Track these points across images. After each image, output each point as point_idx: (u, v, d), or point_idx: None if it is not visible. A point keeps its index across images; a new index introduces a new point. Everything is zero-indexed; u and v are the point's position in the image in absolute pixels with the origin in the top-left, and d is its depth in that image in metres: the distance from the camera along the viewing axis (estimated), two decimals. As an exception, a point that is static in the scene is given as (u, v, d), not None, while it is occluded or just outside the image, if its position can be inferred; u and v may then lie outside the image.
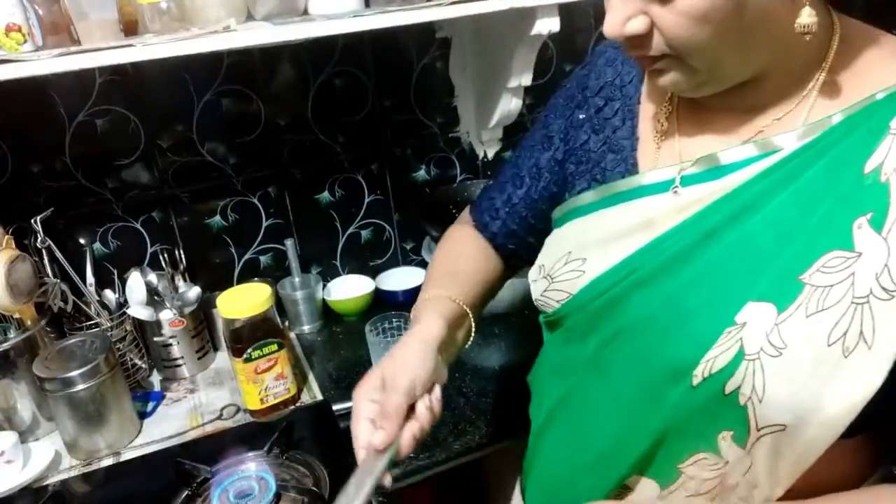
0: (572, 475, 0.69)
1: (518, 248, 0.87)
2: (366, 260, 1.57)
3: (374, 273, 1.53)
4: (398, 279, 1.52)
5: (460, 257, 0.88)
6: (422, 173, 1.55)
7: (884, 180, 0.52)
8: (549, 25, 1.12)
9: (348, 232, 1.53)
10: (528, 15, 1.12)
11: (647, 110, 0.70)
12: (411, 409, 0.66)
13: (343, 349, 1.35)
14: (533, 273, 0.74)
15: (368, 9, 1.09)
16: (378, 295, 1.47)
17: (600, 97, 0.73)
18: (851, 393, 0.52)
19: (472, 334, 0.79)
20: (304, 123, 1.41)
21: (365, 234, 1.55)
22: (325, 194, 1.48)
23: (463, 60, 1.45)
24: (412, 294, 1.46)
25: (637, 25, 0.54)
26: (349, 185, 1.50)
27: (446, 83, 1.48)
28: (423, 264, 1.56)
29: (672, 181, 0.63)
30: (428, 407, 0.66)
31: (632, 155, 0.68)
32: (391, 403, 0.64)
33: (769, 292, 0.55)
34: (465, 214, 0.94)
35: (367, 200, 1.53)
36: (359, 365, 1.27)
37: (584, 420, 0.69)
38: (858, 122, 0.55)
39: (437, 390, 0.69)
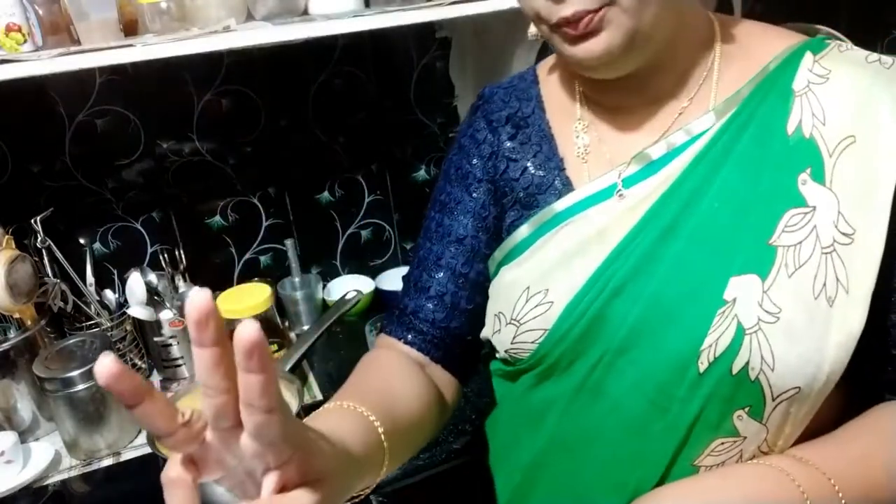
0: None
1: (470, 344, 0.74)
2: (366, 260, 1.57)
3: (373, 273, 1.53)
4: (398, 279, 1.51)
5: (379, 376, 0.70)
6: (422, 173, 1.55)
7: (808, 136, 0.57)
8: (549, 25, 1.12)
9: (348, 232, 1.53)
10: (528, 15, 1.12)
11: (560, 131, 0.69)
12: None
13: (343, 349, 1.35)
14: (490, 327, 0.68)
15: (368, 9, 1.09)
16: (378, 295, 1.47)
17: (510, 126, 0.71)
18: (844, 338, 0.54)
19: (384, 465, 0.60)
20: (304, 123, 1.41)
21: (365, 234, 1.55)
22: (325, 194, 1.48)
23: (463, 60, 1.45)
24: (412, 294, 1.46)
25: None
26: (349, 185, 1.50)
27: (446, 83, 1.48)
28: (423, 264, 1.56)
29: (614, 186, 0.63)
30: None
31: (562, 173, 0.67)
32: None
33: (747, 264, 0.56)
34: (380, 341, 0.77)
35: (367, 200, 1.53)
36: (359, 365, 1.27)
37: (586, 454, 0.64)
38: (766, 91, 0.59)
39: None
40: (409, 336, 0.73)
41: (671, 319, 0.58)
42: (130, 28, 1.06)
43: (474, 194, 0.72)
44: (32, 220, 1.18)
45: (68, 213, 1.28)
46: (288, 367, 0.88)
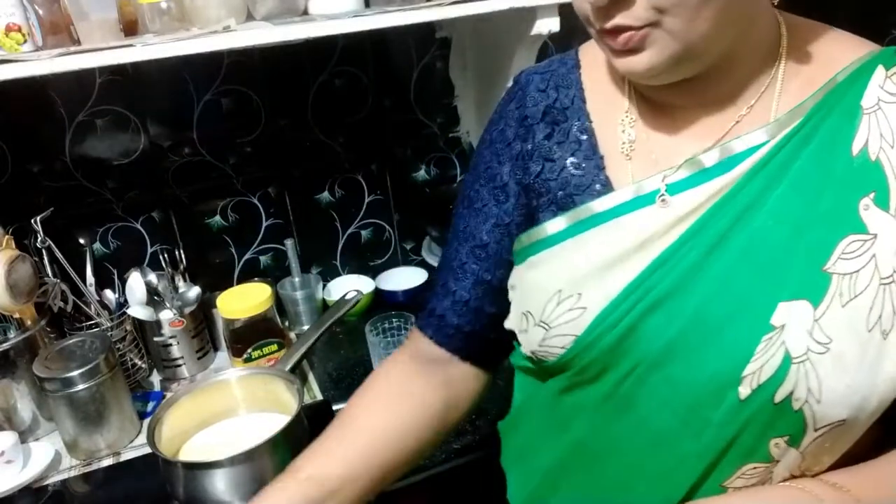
0: None
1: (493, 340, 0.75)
2: (366, 260, 1.57)
3: (374, 273, 1.53)
4: (398, 279, 1.52)
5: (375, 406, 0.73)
6: (422, 173, 1.55)
7: (874, 159, 0.53)
8: (549, 25, 1.12)
9: (348, 232, 1.53)
10: (528, 15, 1.12)
11: (604, 125, 0.65)
12: None
13: (343, 349, 1.35)
14: (517, 323, 0.66)
15: (368, 9, 1.09)
16: (378, 295, 1.47)
17: (545, 123, 0.67)
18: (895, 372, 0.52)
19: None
20: (304, 123, 1.41)
21: (365, 234, 1.55)
22: (325, 194, 1.48)
23: (463, 60, 1.46)
24: (412, 294, 1.46)
25: None
26: (349, 185, 1.50)
27: (446, 83, 1.48)
28: (423, 264, 1.56)
29: (658, 191, 0.59)
30: None
31: (602, 173, 0.63)
32: None
33: (799, 289, 0.53)
34: (409, 335, 0.80)
35: (367, 200, 1.53)
36: (359, 365, 1.27)
37: (610, 465, 0.63)
38: (831, 106, 0.55)
39: None
40: (432, 332, 0.76)
41: (712, 340, 0.55)
42: (130, 28, 1.06)
43: (501, 200, 0.70)
44: (32, 220, 1.18)
45: (68, 213, 1.28)
46: (288, 367, 0.89)
